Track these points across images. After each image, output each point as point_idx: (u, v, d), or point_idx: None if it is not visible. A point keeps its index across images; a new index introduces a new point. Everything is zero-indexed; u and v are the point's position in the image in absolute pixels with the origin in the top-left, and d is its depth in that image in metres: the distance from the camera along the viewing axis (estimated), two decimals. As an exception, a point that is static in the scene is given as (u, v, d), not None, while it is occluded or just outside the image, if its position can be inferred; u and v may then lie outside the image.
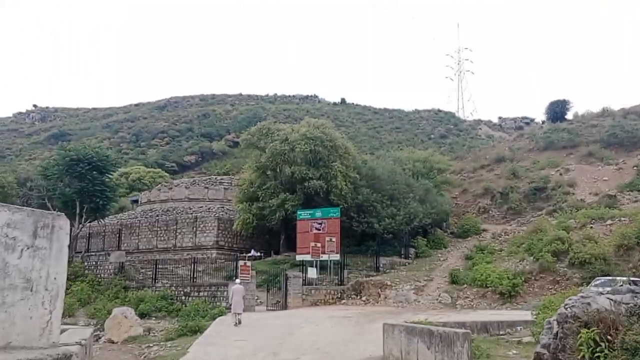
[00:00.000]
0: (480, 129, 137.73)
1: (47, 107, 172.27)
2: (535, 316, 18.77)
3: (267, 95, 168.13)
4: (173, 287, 31.41)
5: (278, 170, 40.89)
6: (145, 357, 17.56)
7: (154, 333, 22.76)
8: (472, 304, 28.50)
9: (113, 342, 21.17)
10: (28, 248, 5.58)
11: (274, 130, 41.22)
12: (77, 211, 38.27)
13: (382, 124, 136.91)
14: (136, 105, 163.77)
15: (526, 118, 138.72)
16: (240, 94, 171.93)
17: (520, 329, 17.99)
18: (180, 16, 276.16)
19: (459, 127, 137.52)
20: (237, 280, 24.35)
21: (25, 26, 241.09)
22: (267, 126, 41.86)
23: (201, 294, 30.07)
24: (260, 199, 40.13)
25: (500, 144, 76.67)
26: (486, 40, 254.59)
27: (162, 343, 19.31)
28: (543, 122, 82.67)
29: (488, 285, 29.03)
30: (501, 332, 17.37)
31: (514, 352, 13.75)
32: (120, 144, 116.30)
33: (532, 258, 31.14)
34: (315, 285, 31.48)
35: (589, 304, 7.02)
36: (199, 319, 23.31)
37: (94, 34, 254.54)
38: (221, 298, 28.67)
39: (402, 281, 31.76)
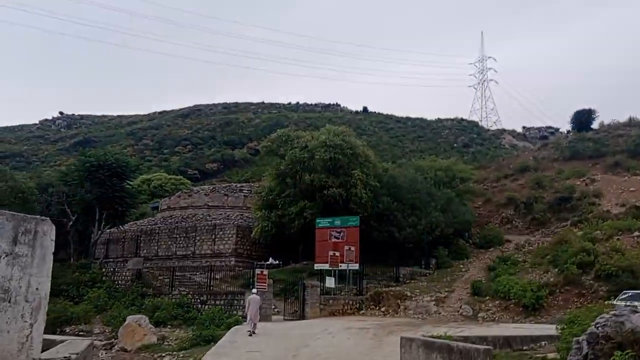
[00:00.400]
0: (503, 138, 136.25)
1: (72, 114, 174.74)
2: (560, 331, 18.05)
3: (289, 104, 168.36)
4: (190, 295, 31.10)
5: (297, 177, 40.49)
6: (156, 366, 17.20)
7: (168, 342, 22.43)
8: (494, 316, 27.69)
9: (126, 351, 20.88)
10: (7, 255, 5.16)
11: (293, 137, 40.86)
12: (97, 217, 38.29)
13: (404, 133, 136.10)
14: (160, 113, 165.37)
15: (550, 128, 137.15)
16: (263, 102, 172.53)
17: (545, 344, 17.21)
18: (203, 24, 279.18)
19: (482, 137, 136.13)
20: (254, 290, 24.01)
21: (51, 31, 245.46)
22: (286, 133, 41.50)
23: (218, 302, 29.69)
24: (280, 206, 39.75)
25: (524, 154, 75.38)
26: (510, 49, 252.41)
27: (174, 353, 18.93)
28: (568, 132, 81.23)
29: (511, 298, 28.18)
30: (524, 347, 16.62)
31: (539, 369, 13.06)
32: (144, 151, 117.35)
33: (556, 270, 30.23)
34: (334, 295, 30.93)
35: (622, 323, 6.42)
36: (214, 328, 22.92)
37: (118, 41, 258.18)
38: (238, 307, 28.26)
39: (422, 292, 31.07)
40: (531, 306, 27.21)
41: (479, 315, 27.86)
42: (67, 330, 27.78)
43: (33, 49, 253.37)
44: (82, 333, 26.77)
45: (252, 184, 54.65)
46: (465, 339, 15.56)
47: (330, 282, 30.79)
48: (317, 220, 35.92)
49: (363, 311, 30.43)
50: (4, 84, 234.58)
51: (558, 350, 14.52)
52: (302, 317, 27.99)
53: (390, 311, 29.85)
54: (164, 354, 18.86)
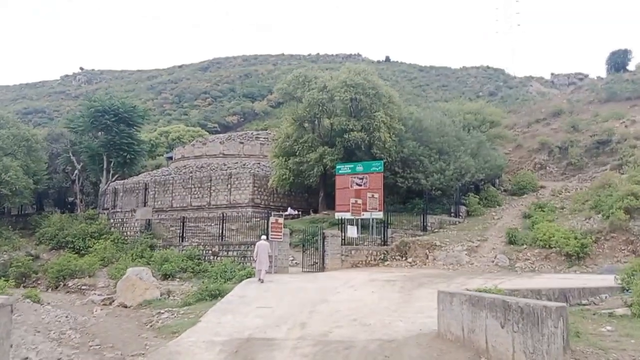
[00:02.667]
0: (531, 85, 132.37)
1: (93, 70, 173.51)
2: (621, 282, 15.46)
3: (309, 55, 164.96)
4: (201, 246, 28.97)
5: (316, 122, 37.80)
6: (151, 325, 15.00)
7: (173, 296, 20.34)
8: (533, 266, 25.11)
9: (126, 307, 18.82)
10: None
11: (311, 78, 37.84)
12: (104, 166, 36.19)
13: (427, 82, 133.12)
14: (179, 66, 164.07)
15: (580, 74, 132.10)
16: (283, 54, 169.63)
17: (606, 297, 14.63)
18: None
19: (509, 84, 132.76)
20: (263, 237, 21.94)
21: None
22: (303, 74, 38.44)
23: (230, 253, 27.53)
24: (298, 153, 37.23)
25: (557, 97, 71.45)
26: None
27: (174, 309, 16.74)
28: (598, 78, 76.86)
29: (552, 246, 25.50)
30: (583, 302, 14.06)
31: (609, 328, 10.51)
32: (163, 104, 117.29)
33: (600, 216, 27.44)
34: (356, 245, 28.55)
35: None
36: (223, 281, 20.74)
37: None
38: (251, 258, 26.06)
39: (452, 241, 28.52)
40: (575, 255, 24.60)
41: (516, 266, 25.29)
42: (70, 285, 26.06)
43: (52, 3, 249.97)
44: (84, 287, 24.96)
45: (269, 132, 52.04)
46: (514, 292, 13.05)
47: (352, 232, 28.36)
48: (338, 167, 33.36)
49: (388, 262, 28.04)
50: (24, 39, 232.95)
51: (629, 305, 11.96)
52: (322, 269, 25.78)
53: (417, 262, 27.42)
54: (162, 311, 16.68)
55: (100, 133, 35.97)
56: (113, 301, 19.83)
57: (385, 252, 28.64)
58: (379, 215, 30.36)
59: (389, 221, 30.84)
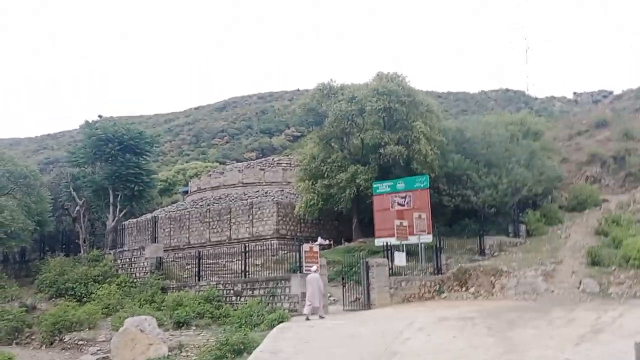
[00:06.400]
0: (553, 105, 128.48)
1: (111, 117, 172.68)
2: None
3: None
4: (221, 286, 24.38)
5: (344, 138, 33.50)
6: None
7: (186, 352, 15.81)
8: (632, 291, 20.18)
9: (123, 369, 14.33)
10: None
11: (336, 89, 33.67)
12: (110, 200, 32.10)
13: (447, 108, 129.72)
14: (196, 108, 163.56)
15: (604, 91, 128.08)
16: (298, 90, 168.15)
17: None
18: (236, 17, 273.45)
19: (531, 105, 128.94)
20: (314, 267, 18.77)
21: (90, 34, 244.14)
22: (328, 84, 34.24)
23: (256, 292, 22.82)
24: (326, 175, 32.89)
25: (597, 107, 67.00)
26: (552, 12, 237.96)
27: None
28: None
29: (651, 266, 20.62)
30: None
31: None
32: (181, 145, 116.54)
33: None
34: (405, 275, 23.89)
35: None
36: (249, 328, 16.19)
37: (154, 40, 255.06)
38: (282, 297, 21.50)
39: (521, 266, 23.65)
40: (686, 275, 19.69)
41: (610, 292, 20.32)
42: (67, 339, 21.67)
43: (68, 54, 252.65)
44: (82, 342, 20.55)
45: (291, 157, 47.84)
46: None
47: (400, 259, 23.74)
48: (375, 185, 28.95)
49: (445, 294, 23.27)
50: (42, 91, 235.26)
51: None
52: (368, 306, 21.18)
53: (482, 292, 22.61)
54: (167, 378, 12.19)
55: (104, 164, 31.92)
56: (108, 362, 15.38)
57: (441, 282, 23.87)
58: (428, 238, 25.82)
59: (441, 245, 26.15)
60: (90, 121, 38.07)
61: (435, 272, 24.83)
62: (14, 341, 23.55)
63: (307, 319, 17.81)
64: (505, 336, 12.33)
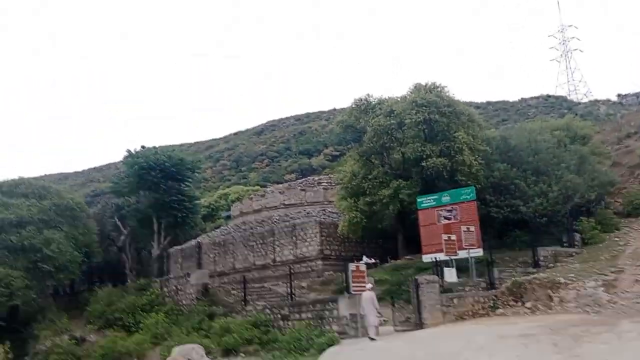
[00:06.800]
0: (597, 109, 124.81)
1: (154, 146, 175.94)
2: None
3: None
4: (267, 310, 23.95)
5: (385, 153, 32.90)
6: None
7: (235, 381, 15.37)
8: None
9: (172, 402, 13.96)
10: None
11: (374, 104, 33.18)
12: (155, 228, 32.20)
13: (486, 118, 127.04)
14: (235, 134, 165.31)
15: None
16: (334, 109, 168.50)
17: None
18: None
19: (574, 111, 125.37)
20: (369, 285, 18.63)
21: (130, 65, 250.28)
22: (365, 99, 33.79)
23: (303, 315, 22.30)
24: (368, 191, 32.28)
25: (645, 108, 64.45)
26: (592, 14, 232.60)
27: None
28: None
29: None
30: None
31: None
32: (222, 171, 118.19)
33: None
34: (456, 292, 22.97)
35: None
36: (298, 354, 15.65)
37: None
38: (330, 319, 20.88)
39: (579, 277, 22.46)
40: None
41: (680, 301, 19.08)
42: (116, 371, 21.52)
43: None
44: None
45: (332, 176, 47.40)
46: None
47: (450, 275, 22.93)
48: (419, 200, 28.18)
49: (500, 310, 22.20)
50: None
51: None
52: (420, 325, 20.35)
53: (539, 307, 21.46)
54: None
55: (147, 192, 32.10)
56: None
57: (495, 298, 22.81)
58: (479, 252, 24.90)
59: (492, 259, 25.13)
60: (132, 151, 38.47)
61: (488, 287, 23.79)
62: (66, 376, 23.59)
63: (372, 338, 17.57)
64: (573, 353, 11.48)
